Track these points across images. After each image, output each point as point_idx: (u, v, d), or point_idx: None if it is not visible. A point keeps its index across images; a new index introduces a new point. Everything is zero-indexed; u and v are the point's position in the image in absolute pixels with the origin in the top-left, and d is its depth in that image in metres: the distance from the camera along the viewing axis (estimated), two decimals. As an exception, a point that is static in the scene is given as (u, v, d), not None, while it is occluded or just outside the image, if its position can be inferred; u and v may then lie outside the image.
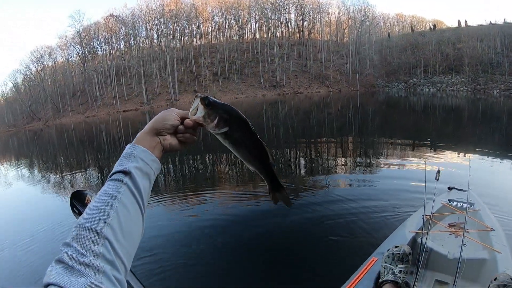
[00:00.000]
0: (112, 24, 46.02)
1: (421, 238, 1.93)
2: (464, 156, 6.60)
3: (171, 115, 0.60)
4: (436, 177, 2.57)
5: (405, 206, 3.61)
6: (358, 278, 1.68)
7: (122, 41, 46.26)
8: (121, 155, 0.56)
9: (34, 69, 49.02)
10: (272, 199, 0.66)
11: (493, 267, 1.71)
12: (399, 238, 2.05)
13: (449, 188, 2.82)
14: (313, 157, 7.99)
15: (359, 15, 44.45)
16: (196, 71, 41.87)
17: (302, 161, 7.64)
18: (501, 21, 38.87)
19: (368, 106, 22.40)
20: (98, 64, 45.08)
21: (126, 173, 0.52)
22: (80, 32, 44.46)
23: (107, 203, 0.48)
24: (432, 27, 47.86)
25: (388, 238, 2.13)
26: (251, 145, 0.61)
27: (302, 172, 6.58)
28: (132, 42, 45.51)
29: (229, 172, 7.23)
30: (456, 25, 45.09)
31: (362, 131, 11.26)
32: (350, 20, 46.06)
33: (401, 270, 1.62)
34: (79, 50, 45.51)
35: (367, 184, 4.96)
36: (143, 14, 44.44)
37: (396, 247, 1.74)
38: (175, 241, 3.57)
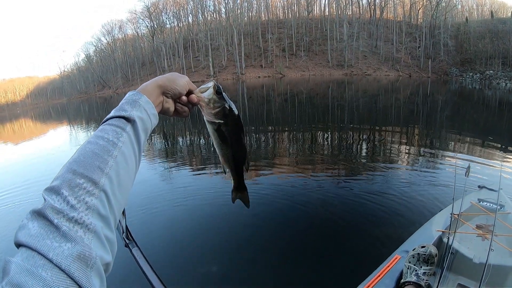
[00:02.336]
0: (180, -2, 47.38)
1: (447, 239, 1.82)
2: (499, 155, 5.87)
3: (183, 82, 0.56)
4: (466, 174, 2.44)
5: (434, 201, 3.50)
6: (379, 275, 1.62)
7: (190, 15, 47.56)
8: (123, 101, 0.50)
9: (105, 41, 52.48)
10: (232, 196, 0.69)
11: None
12: (425, 237, 1.96)
13: (479, 186, 2.66)
14: (367, 142, 7.52)
15: (436, -5, 41.21)
16: (263, 46, 41.59)
17: (352, 145, 7.33)
18: None
19: (439, 95, 20.20)
20: (166, 37, 46.86)
21: (129, 120, 0.47)
22: (149, 7, 46.48)
23: (107, 150, 0.41)
24: (514, 14, 43.04)
25: (413, 235, 2.04)
26: (236, 146, 0.62)
27: (344, 155, 6.37)
28: (200, 16, 46.59)
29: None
30: (541, 14, 39.97)
31: (428, 122, 10.37)
32: (425, 0, 42.94)
33: (425, 272, 1.56)
34: (148, 23, 47.69)
35: (404, 175, 4.76)
36: (211, -12, 45.23)
37: (423, 247, 1.67)
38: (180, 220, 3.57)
